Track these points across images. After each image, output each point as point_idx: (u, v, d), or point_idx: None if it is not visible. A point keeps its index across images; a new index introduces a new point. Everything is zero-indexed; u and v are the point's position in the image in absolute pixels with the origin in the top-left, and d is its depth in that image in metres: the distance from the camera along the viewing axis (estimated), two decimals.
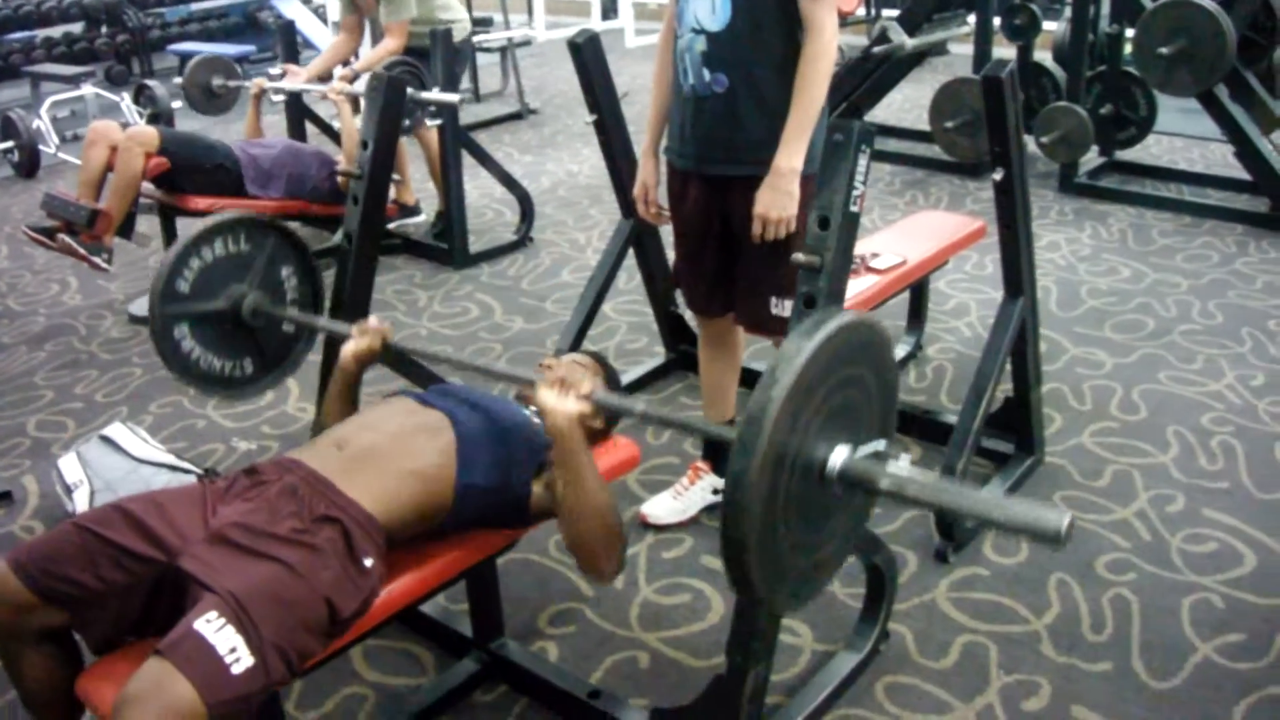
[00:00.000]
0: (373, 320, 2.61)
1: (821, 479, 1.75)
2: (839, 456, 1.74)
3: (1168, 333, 4.47)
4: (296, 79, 5.67)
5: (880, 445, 1.85)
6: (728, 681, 2.25)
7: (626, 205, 3.83)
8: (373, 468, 2.19)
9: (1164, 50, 5.43)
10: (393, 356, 2.70)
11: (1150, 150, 6.97)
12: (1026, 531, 1.58)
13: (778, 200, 2.70)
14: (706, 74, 2.80)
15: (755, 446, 1.60)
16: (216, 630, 1.80)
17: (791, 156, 2.69)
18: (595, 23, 9.93)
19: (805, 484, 1.72)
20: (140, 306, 5.06)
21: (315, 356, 4.07)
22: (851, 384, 1.78)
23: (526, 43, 9.68)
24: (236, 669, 1.78)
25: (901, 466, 1.74)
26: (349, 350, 2.56)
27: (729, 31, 2.75)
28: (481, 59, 9.36)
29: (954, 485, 1.67)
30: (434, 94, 4.93)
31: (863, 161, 2.22)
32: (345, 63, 5.91)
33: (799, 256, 2.25)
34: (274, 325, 3.01)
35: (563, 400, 2.16)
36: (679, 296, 4.00)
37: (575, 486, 2.17)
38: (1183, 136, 7.34)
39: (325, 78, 5.81)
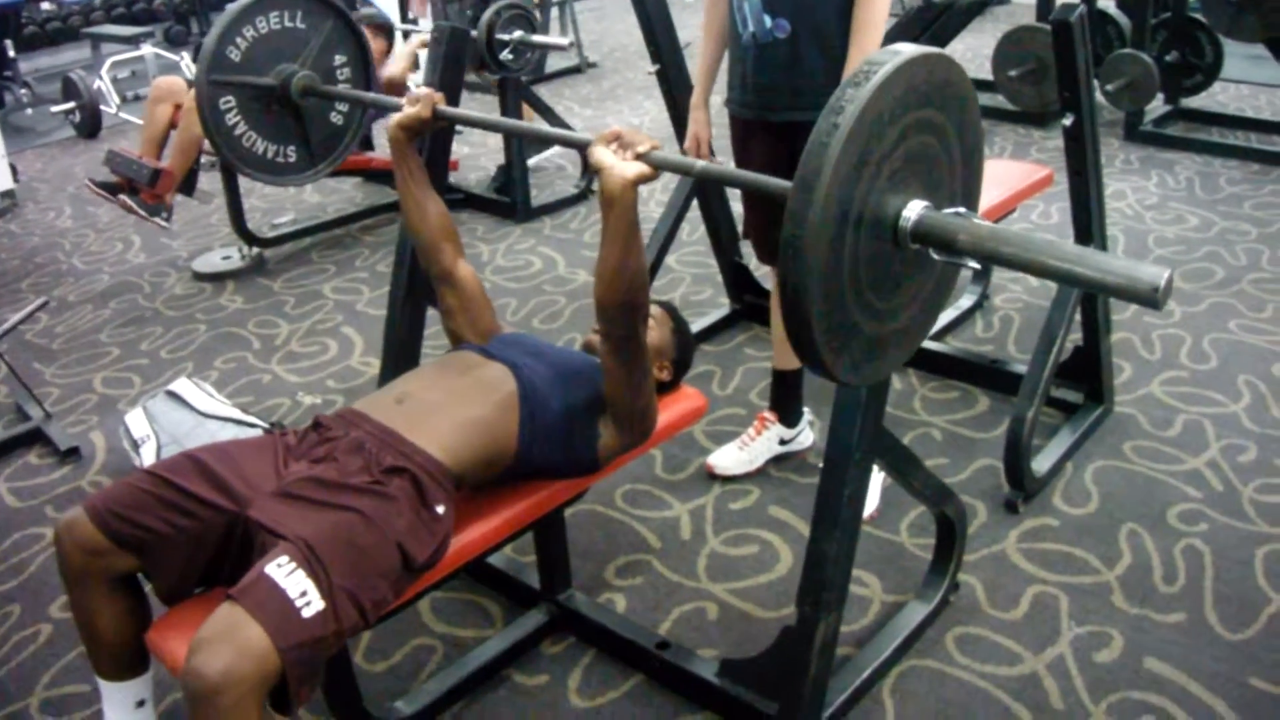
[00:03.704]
0: (424, 89, 2.52)
1: (895, 238, 1.63)
2: (914, 210, 1.62)
3: (1237, 281, 4.39)
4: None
5: (962, 210, 1.69)
6: (797, 632, 2.23)
7: None
8: (436, 418, 2.18)
9: None
10: (442, 123, 2.54)
11: (1217, 97, 6.85)
12: (1121, 289, 1.45)
13: None
14: (767, 20, 2.78)
15: (818, 179, 1.47)
16: (287, 574, 1.80)
17: None
18: None
19: (875, 240, 1.61)
20: (204, 263, 5.09)
21: (379, 311, 4.08)
22: (929, 130, 1.64)
23: None
24: (307, 612, 1.78)
25: (981, 223, 1.60)
26: (395, 119, 2.46)
27: None
28: None
29: (1039, 239, 1.54)
30: (545, 37, 4.92)
31: None
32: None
33: None
34: (322, 112, 2.93)
35: (620, 160, 2.00)
36: (743, 248, 3.99)
37: (615, 247, 2.05)
38: (1250, 83, 7.20)
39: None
